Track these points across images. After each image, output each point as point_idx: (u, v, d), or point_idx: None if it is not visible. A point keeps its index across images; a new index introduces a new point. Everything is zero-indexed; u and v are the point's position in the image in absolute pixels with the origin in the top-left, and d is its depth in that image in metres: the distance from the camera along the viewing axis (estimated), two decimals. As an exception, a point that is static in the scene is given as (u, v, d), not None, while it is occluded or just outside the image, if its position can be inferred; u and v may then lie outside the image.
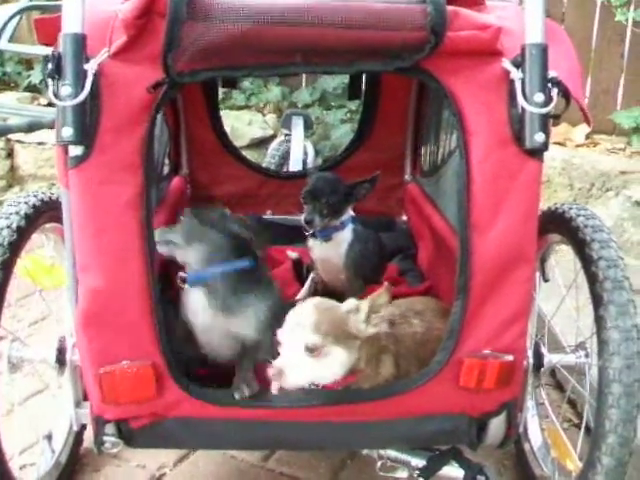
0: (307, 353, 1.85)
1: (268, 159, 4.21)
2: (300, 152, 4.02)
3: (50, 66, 1.67)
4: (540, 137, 1.74)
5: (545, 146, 1.76)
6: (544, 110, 1.73)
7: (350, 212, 2.85)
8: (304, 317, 1.88)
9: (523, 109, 1.74)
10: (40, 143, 5.28)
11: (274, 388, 1.99)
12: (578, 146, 4.82)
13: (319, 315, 1.88)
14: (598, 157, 4.68)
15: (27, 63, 5.78)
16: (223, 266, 2.13)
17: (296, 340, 1.86)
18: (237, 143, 4.04)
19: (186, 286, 2.16)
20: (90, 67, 1.67)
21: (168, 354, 1.88)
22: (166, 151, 3.17)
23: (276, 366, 1.84)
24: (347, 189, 2.76)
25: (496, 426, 2.02)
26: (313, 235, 2.79)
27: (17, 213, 2.00)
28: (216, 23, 1.67)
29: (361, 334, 1.90)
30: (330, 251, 2.81)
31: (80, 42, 1.68)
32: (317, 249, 2.81)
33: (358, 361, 1.94)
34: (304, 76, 5.47)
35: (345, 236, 2.80)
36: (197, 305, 2.14)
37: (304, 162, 4.03)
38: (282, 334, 1.89)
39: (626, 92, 4.95)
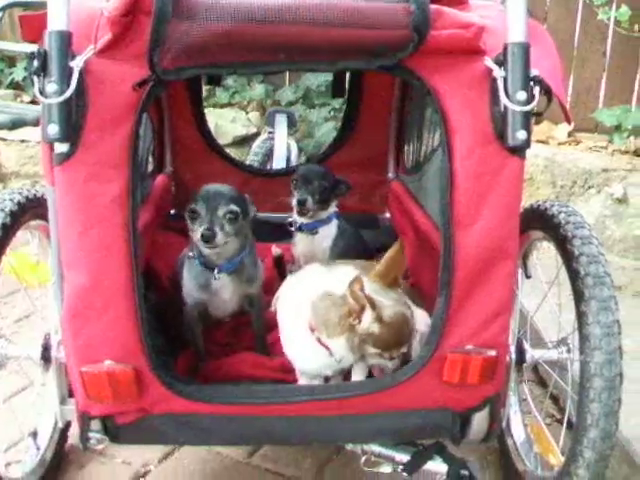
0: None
1: (251, 157, 4.21)
2: (284, 150, 4.04)
3: (35, 63, 1.67)
4: (522, 135, 1.76)
5: (527, 144, 1.77)
6: (526, 108, 1.75)
7: (335, 207, 2.89)
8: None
9: (505, 107, 1.76)
10: (23, 141, 5.24)
11: None
12: (560, 144, 4.85)
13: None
14: (580, 155, 4.70)
15: (10, 60, 5.75)
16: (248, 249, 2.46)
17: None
18: (220, 141, 4.05)
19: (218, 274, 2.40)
20: (76, 64, 1.67)
21: (151, 352, 1.88)
22: (150, 149, 3.16)
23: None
24: (334, 180, 2.86)
25: (479, 421, 2.03)
26: (299, 229, 2.83)
27: (2, 210, 2.00)
28: (201, 21, 1.67)
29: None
30: (315, 245, 2.85)
31: (66, 39, 1.68)
32: (302, 243, 2.85)
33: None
34: (287, 74, 5.49)
35: (330, 231, 2.87)
36: (226, 283, 2.43)
37: (288, 160, 4.04)
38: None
39: (608, 90, 4.98)
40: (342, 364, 2.14)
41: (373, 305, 2.00)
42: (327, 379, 2.24)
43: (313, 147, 5.15)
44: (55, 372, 2.08)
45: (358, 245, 2.98)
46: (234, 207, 2.29)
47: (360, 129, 3.39)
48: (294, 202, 2.84)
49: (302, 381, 2.24)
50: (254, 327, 2.61)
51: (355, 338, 2.03)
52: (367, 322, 2.01)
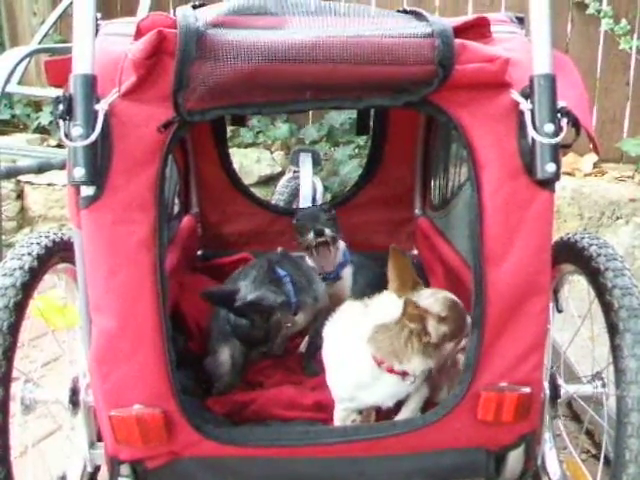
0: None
1: (277, 196, 4.21)
2: (309, 188, 4.03)
3: (61, 107, 1.68)
4: (551, 167, 1.74)
5: (556, 176, 1.75)
6: (554, 140, 1.73)
7: (343, 245, 2.87)
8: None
9: (533, 140, 1.74)
10: (50, 184, 5.29)
11: None
12: (586, 175, 4.82)
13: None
14: (607, 185, 4.68)
15: (36, 105, 5.81)
16: None
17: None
18: (246, 181, 4.05)
19: None
20: (101, 107, 1.68)
21: (181, 396, 1.87)
22: (176, 190, 3.18)
23: None
24: (328, 213, 2.86)
25: (515, 459, 2.00)
26: (323, 279, 2.80)
27: (29, 254, 1.99)
28: (225, 62, 1.67)
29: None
30: (338, 288, 2.83)
31: (90, 83, 1.68)
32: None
33: None
34: (311, 112, 5.49)
35: (349, 270, 2.84)
36: None
37: (313, 199, 4.03)
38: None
39: (632, 120, 4.96)
40: (412, 387, 2.13)
41: (429, 313, 1.99)
42: (378, 414, 2.24)
43: (338, 185, 5.15)
44: (84, 416, 2.07)
45: (377, 279, 2.94)
46: None
47: (385, 166, 3.37)
48: (310, 237, 2.79)
49: (343, 418, 2.22)
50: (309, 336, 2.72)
51: (430, 348, 2.02)
52: (434, 329, 1.99)
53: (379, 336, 2.06)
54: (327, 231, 2.78)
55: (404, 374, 2.07)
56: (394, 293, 2.12)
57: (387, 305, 2.08)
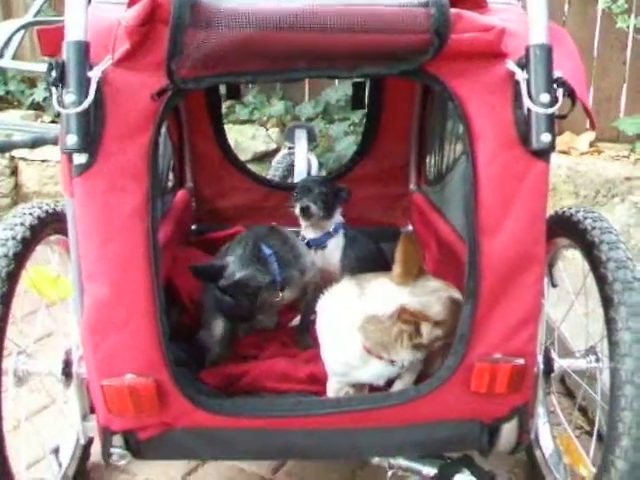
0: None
1: (272, 172, 4.20)
2: (304, 164, 4.01)
3: (54, 74, 1.67)
4: (547, 137, 1.73)
5: (552, 146, 1.75)
6: (550, 110, 1.72)
7: (340, 218, 2.89)
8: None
9: (529, 110, 1.73)
10: (44, 160, 5.29)
11: None
12: (582, 154, 4.81)
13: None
14: (603, 164, 4.66)
15: (30, 81, 5.79)
16: None
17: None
18: (241, 157, 4.03)
19: None
20: (94, 74, 1.67)
21: (173, 366, 1.86)
22: (170, 165, 3.16)
23: None
24: (335, 188, 2.91)
25: (508, 431, 2.00)
26: (308, 245, 2.83)
27: (22, 224, 1.99)
28: (219, 29, 1.66)
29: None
30: (326, 260, 2.84)
31: (83, 50, 1.67)
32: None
33: None
34: (307, 89, 5.48)
35: (338, 242, 2.88)
36: None
37: (308, 174, 4.02)
38: None
39: (629, 99, 4.94)
40: (402, 369, 2.14)
41: (425, 318, 1.99)
42: (371, 387, 2.24)
43: (333, 161, 5.14)
44: (76, 388, 2.07)
45: (371, 254, 2.96)
46: None
47: (380, 142, 3.37)
48: (297, 211, 2.87)
49: (336, 390, 2.24)
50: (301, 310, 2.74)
51: (419, 346, 2.03)
52: (427, 332, 1.99)
53: (370, 327, 2.05)
54: (312, 208, 2.84)
55: (392, 361, 2.08)
56: (394, 279, 2.10)
57: (383, 295, 2.06)
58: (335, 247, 2.90)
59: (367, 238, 3.03)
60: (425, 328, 1.99)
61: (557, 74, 1.74)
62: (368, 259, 2.89)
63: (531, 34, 1.74)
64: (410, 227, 3.40)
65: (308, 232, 2.93)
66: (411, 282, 2.08)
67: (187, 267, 2.49)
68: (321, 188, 2.89)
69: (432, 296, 2.04)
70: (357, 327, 2.07)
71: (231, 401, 2.08)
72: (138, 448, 1.97)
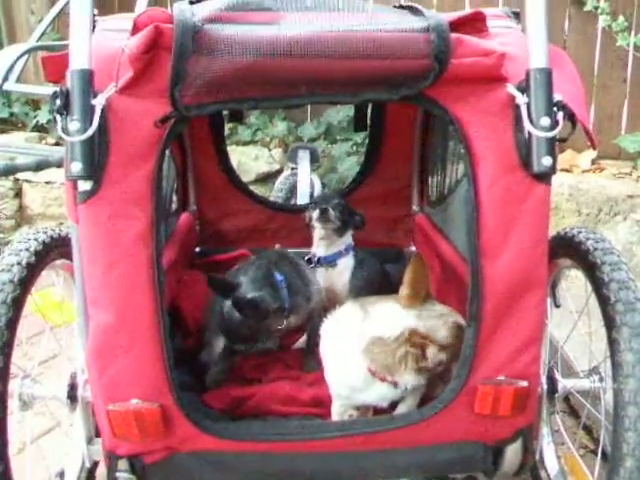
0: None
1: (275, 193, 4.21)
2: (307, 185, 4.03)
3: (58, 102, 1.68)
4: (547, 161, 1.74)
5: (553, 170, 1.76)
6: (551, 134, 1.73)
7: (350, 240, 2.90)
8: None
9: (530, 133, 1.74)
10: (48, 182, 5.30)
11: None
12: (584, 172, 4.83)
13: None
14: (605, 182, 4.68)
15: (34, 103, 5.82)
16: None
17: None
18: (244, 178, 4.05)
19: None
20: (98, 102, 1.68)
21: (178, 391, 1.87)
22: (174, 188, 3.17)
23: None
24: (350, 211, 2.94)
25: (512, 453, 2.00)
26: (318, 262, 2.84)
27: (27, 250, 2.00)
28: (222, 56, 1.67)
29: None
30: (334, 279, 2.85)
31: (87, 78, 1.69)
32: (321, 277, 2.84)
33: None
34: (309, 110, 5.50)
35: (348, 263, 2.88)
36: None
37: (311, 195, 4.03)
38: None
39: (630, 116, 4.97)
40: (406, 392, 2.14)
41: (433, 341, 1.99)
42: (376, 409, 2.24)
43: (336, 182, 5.15)
44: (82, 412, 2.07)
45: (378, 277, 2.97)
46: None
47: (383, 163, 3.37)
48: (315, 215, 2.87)
49: (341, 413, 2.24)
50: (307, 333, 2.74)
51: (424, 370, 2.03)
52: (433, 356, 2.00)
53: (375, 348, 2.05)
54: (330, 212, 2.85)
55: (396, 384, 2.08)
56: (401, 302, 2.11)
57: (389, 317, 2.07)
58: (345, 267, 2.90)
59: (376, 260, 3.04)
60: (431, 352, 1.99)
61: (557, 97, 1.75)
62: (375, 281, 2.90)
63: (531, 58, 1.76)
64: (413, 248, 3.40)
65: (320, 249, 2.93)
66: (418, 305, 2.08)
67: (205, 275, 2.50)
68: (339, 200, 2.93)
69: (439, 320, 2.05)
70: (362, 349, 2.07)
71: (236, 425, 2.09)
72: (144, 472, 1.97)
